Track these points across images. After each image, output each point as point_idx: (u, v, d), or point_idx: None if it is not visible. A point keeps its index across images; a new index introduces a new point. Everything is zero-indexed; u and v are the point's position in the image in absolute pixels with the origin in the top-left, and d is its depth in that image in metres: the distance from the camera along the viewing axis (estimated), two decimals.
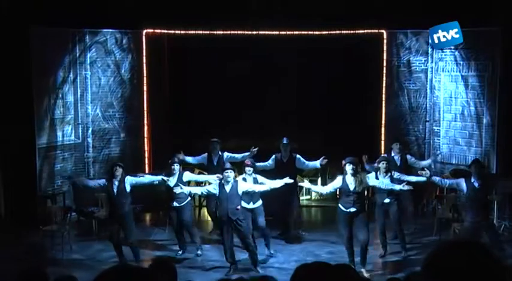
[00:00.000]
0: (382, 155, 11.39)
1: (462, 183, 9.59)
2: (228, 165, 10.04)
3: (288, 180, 9.84)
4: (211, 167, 11.47)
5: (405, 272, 8.76)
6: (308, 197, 14.32)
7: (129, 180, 9.98)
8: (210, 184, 10.33)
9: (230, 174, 9.54)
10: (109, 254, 10.23)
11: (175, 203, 10.34)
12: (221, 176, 9.71)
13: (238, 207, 9.58)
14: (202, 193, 10.23)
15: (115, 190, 9.85)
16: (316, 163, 11.33)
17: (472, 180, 9.44)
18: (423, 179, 9.91)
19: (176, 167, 10.39)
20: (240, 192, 9.61)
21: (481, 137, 12.53)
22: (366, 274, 9.23)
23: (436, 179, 9.97)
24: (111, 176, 9.99)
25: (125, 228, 9.92)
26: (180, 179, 10.32)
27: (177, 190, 9.96)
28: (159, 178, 10.32)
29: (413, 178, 10.13)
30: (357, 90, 13.84)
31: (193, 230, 10.70)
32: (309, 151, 12.31)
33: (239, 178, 10.46)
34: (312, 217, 13.62)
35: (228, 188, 9.55)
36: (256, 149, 11.40)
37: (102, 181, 10.16)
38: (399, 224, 10.49)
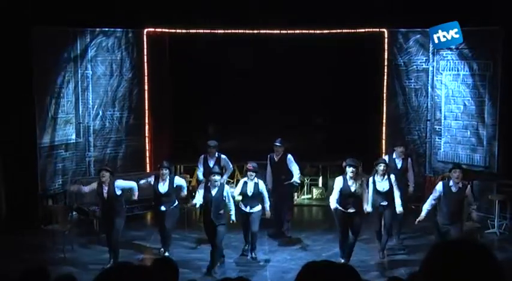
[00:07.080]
0: (382, 157, 11.43)
1: (440, 185, 9.61)
2: (215, 169, 10.09)
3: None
4: (207, 169, 11.19)
5: (405, 272, 8.78)
6: (309, 196, 14.32)
7: (119, 184, 9.92)
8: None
9: (217, 178, 9.56)
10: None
11: (162, 208, 10.24)
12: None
13: (221, 212, 9.58)
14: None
15: (105, 195, 9.83)
16: (296, 176, 11.37)
17: (451, 184, 9.46)
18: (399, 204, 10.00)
19: (166, 171, 10.22)
20: (224, 196, 9.60)
21: (482, 136, 12.53)
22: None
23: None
24: (100, 180, 9.96)
25: (113, 228, 9.85)
26: (171, 184, 10.24)
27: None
28: (149, 180, 10.33)
29: (397, 200, 10.05)
30: (357, 90, 13.84)
31: (170, 236, 10.40)
32: (310, 150, 12.34)
33: (241, 181, 10.43)
34: (312, 217, 13.62)
35: (214, 191, 9.55)
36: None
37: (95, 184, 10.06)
38: (392, 225, 10.48)
